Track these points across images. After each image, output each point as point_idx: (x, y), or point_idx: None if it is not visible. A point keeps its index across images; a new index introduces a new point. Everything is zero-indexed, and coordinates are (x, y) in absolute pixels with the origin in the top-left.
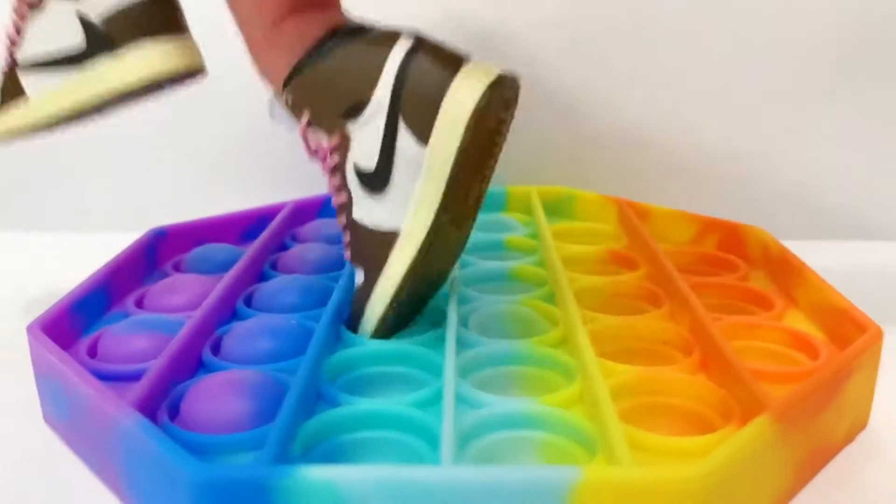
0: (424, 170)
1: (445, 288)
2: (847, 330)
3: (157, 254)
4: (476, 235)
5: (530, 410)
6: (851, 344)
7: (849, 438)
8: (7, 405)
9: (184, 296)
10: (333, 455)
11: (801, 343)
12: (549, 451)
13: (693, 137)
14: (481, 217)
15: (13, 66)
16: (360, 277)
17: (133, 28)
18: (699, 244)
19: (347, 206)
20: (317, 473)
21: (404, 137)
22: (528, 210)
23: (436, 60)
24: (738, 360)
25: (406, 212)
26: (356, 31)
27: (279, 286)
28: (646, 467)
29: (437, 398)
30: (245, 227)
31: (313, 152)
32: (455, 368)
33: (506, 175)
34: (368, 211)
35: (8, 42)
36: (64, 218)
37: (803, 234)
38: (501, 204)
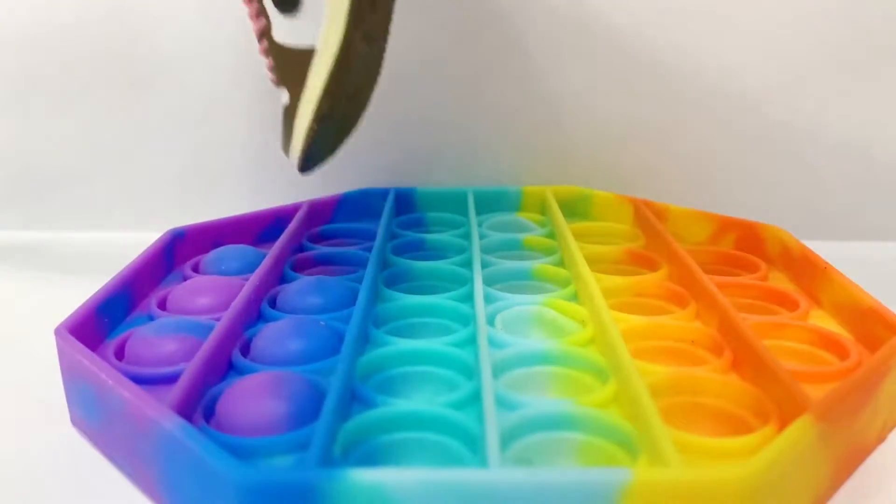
0: None
1: (469, 288)
2: (876, 329)
3: (174, 254)
4: (493, 235)
5: (568, 411)
6: (881, 343)
7: (881, 438)
8: (33, 408)
9: (208, 297)
10: (373, 457)
11: (830, 343)
12: (588, 453)
13: (702, 137)
14: (497, 217)
15: None
16: (285, 98)
17: None
18: (717, 243)
19: (267, 30)
20: (366, 476)
21: None
22: (542, 210)
23: None
24: (774, 361)
25: (319, 29)
26: None
27: (303, 287)
28: (696, 468)
29: (472, 399)
30: (262, 227)
31: None
32: (491, 369)
33: (520, 175)
34: (286, 32)
35: None
36: (76, 218)
37: (811, 235)
38: (517, 204)
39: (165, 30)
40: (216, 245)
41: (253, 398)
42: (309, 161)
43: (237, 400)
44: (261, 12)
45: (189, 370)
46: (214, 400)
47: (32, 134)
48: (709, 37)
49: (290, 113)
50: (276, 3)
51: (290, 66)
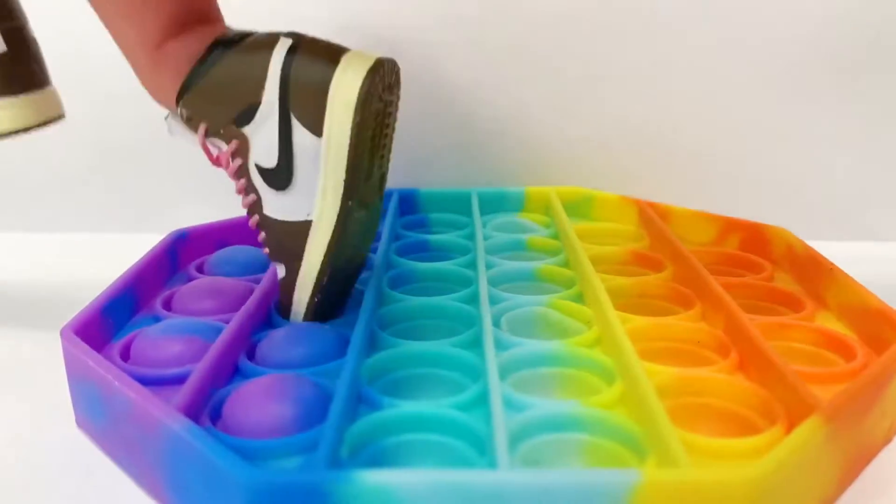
0: (323, 159)
1: (473, 290)
2: (882, 330)
3: (178, 256)
4: (497, 236)
5: (575, 413)
6: (887, 344)
7: (888, 438)
8: (38, 409)
9: (213, 299)
10: (379, 458)
11: (836, 344)
12: (595, 454)
13: (706, 138)
14: (500, 218)
15: None
16: (281, 271)
17: None
18: (721, 244)
19: (257, 205)
20: (374, 478)
21: (299, 132)
22: (546, 211)
23: (316, 55)
24: (781, 362)
25: (314, 201)
26: (235, 40)
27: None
28: (705, 469)
29: (479, 400)
30: None
31: (216, 160)
32: (497, 371)
33: (523, 176)
34: (278, 206)
35: None
36: (79, 219)
37: (816, 235)
38: (520, 204)
39: None
40: (220, 246)
41: (259, 401)
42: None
43: (244, 402)
44: (249, 188)
45: (196, 372)
46: (221, 402)
47: (34, 134)
48: (711, 38)
49: (287, 287)
50: (266, 179)
51: (284, 240)
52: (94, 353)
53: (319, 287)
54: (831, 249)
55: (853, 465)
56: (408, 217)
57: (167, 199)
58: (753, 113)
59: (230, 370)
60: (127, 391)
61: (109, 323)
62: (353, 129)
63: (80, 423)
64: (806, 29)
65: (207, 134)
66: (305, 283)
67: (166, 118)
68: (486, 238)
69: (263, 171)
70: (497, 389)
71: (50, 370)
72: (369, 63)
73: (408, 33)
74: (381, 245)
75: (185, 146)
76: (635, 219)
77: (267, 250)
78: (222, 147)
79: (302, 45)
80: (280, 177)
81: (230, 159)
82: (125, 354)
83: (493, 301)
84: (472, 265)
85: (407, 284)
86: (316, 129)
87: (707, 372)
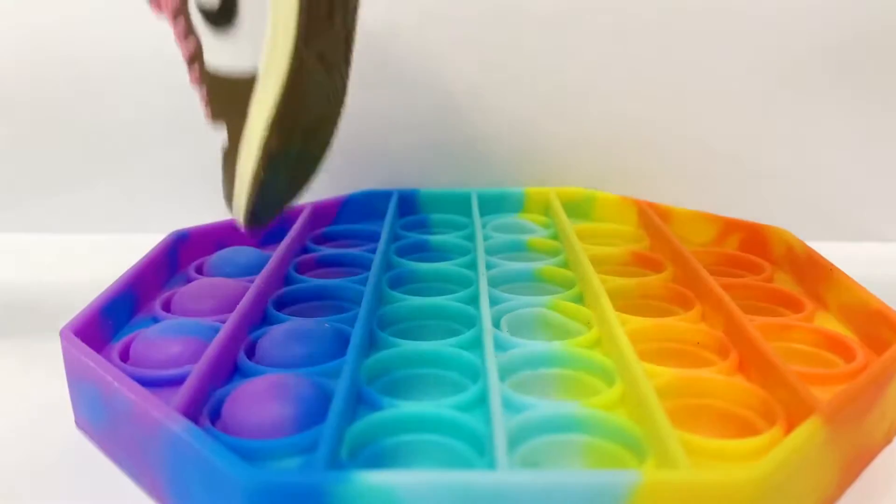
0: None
1: (473, 290)
2: (882, 331)
3: (178, 256)
4: (497, 236)
5: (574, 413)
6: (887, 345)
7: (888, 439)
8: (37, 410)
9: (213, 299)
10: (379, 459)
11: (836, 345)
12: (595, 455)
13: (706, 138)
14: (499, 219)
15: None
16: (224, 138)
17: None
18: (721, 245)
19: (198, 55)
20: (374, 478)
21: None
22: (545, 211)
23: None
24: (782, 363)
25: (261, 49)
26: None
27: (307, 290)
28: (705, 470)
29: (478, 401)
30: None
31: (156, 3)
32: (497, 371)
33: (523, 176)
34: (220, 53)
35: None
36: (79, 220)
37: (816, 236)
38: (520, 205)
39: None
40: (220, 247)
41: (259, 401)
42: (257, 215)
43: (243, 402)
44: (189, 31)
45: (195, 373)
46: (220, 402)
47: (36, 134)
48: (713, 37)
49: (230, 155)
50: (206, 16)
51: (227, 96)
52: (94, 353)
53: (267, 155)
54: (831, 250)
55: (853, 466)
56: (407, 217)
57: (167, 199)
58: (754, 113)
59: (229, 369)
60: (126, 392)
61: (109, 324)
62: None
63: (80, 424)
64: (806, 29)
65: None
66: (250, 149)
67: None
68: (485, 239)
69: (205, 10)
70: (497, 390)
71: (49, 370)
72: None
73: (407, 33)
74: (381, 245)
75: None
76: (635, 219)
77: (208, 111)
78: None
79: None
80: (223, 17)
81: None
82: (125, 355)
83: (493, 302)
84: (472, 266)
85: (406, 285)
86: None
87: (707, 373)
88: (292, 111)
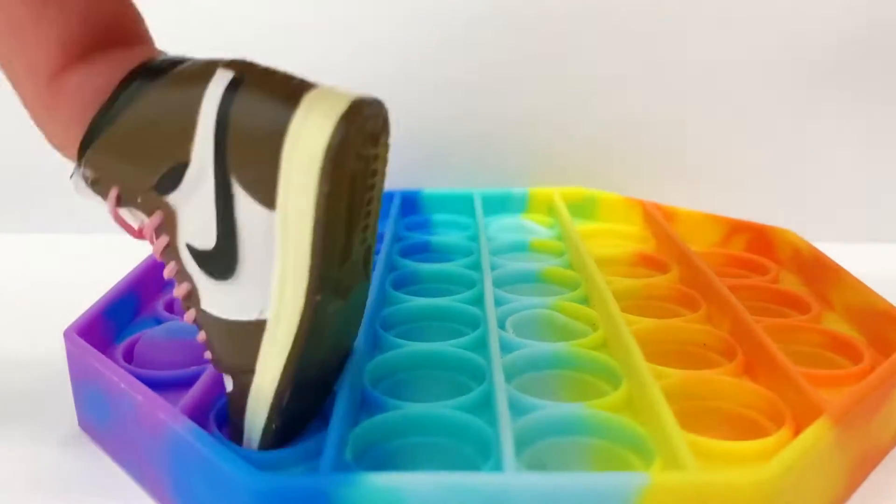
0: (279, 240)
1: (477, 291)
2: (888, 332)
3: None
4: (500, 237)
5: (581, 415)
6: (894, 346)
7: (895, 441)
8: (41, 410)
9: None
10: (384, 461)
11: (843, 346)
12: (601, 457)
13: (711, 140)
14: (503, 219)
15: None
16: (229, 384)
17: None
18: (727, 246)
19: (194, 297)
20: (380, 480)
21: (244, 203)
22: (548, 212)
23: (266, 94)
24: (789, 364)
25: (269, 295)
26: (160, 70)
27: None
28: (713, 471)
29: (483, 402)
30: None
31: (138, 233)
32: (503, 373)
33: (526, 177)
34: (220, 301)
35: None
36: (81, 220)
37: (822, 237)
38: (523, 206)
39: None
40: None
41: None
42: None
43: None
44: (182, 275)
45: (203, 376)
46: (224, 405)
47: (37, 134)
48: (718, 39)
49: (236, 405)
50: (202, 265)
51: (230, 344)
52: (99, 353)
53: (278, 409)
54: (837, 251)
55: (860, 468)
56: (410, 218)
57: None
58: (759, 114)
59: None
60: (132, 393)
61: (112, 325)
62: (318, 199)
63: (83, 425)
64: (809, 30)
65: (120, 203)
66: (261, 404)
67: (71, 176)
68: (489, 239)
69: (198, 254)
70: (502, 391)
71: (53, 371)
72: (342, 105)
73: (409, 34)
74: (384, 246)
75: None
76: (640, 220)
77: (209, 355)
78: (144, 219)
79: (248, 79)
80: (221, 262)
81: (155, 236)
82: (128, 356)
83: (498, 303)
84: (476, 267)
85: (410, 286)
86: (267, 198)
87: (713, 374)
88: (306, 359)
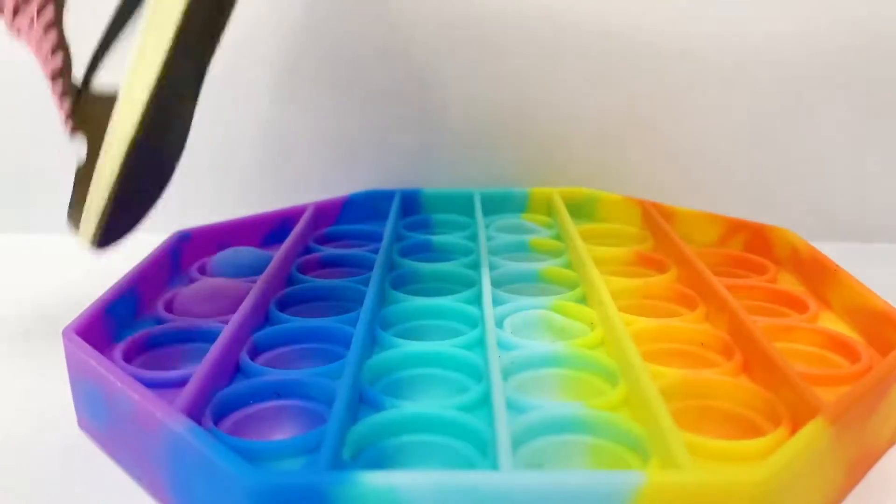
0: (145, 22)
1: (477, 290)
2: (887, 332)
3: (181, 257)
4: (500, 237)
5: (578, 414)
6: (892, 346)
7: (892, 441)
8: (39, 409)
9: (215, 300)
10: (381, 460)
11: (840, 345)
12: (599, 456)
13: (710, 138)
14: (503, 219)
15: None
16: (82, 153)
17: None
18: (725, 245)
19: (65, 69)
20: (377, 479)
21: None
22: (548, 212)
23: None
24: (786, 364)
25: (126, 69)
26: None
27: (310, 290)
28: (710, 471)
29: (481, 401)
30: (268, 229)
31: (14, 26)
32: (500, 372)
33: (526, 176)
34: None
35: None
36: None
37: (820, 236)
38: (523, 205)
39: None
40: (222, 247)
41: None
42: (107, 235)
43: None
44: (59, 46)
45: (197, 373)
46: (222, 403)
47: (37, 134)
48: (716, 38)
49: (85, 173)
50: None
51: (92, 112)
52: (97, 353)
53: (119, 184)
54: (836, 250)
55: (858, 467)
56: (410, 217)
57: (169, 199)
58: (758, 113)
59: (231, 370)
60: (129, 392)
61: (112, 324)
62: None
63: (82, 424)
64: (808, 30)
65: None
66: (108, 167)
67: None
68: (488, 239)
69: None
70: (500, 391)
71: (51, 370)
72: None
73: (409, 32)
74: (383, 245)
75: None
76: (639, 220)
77: (70, 123)
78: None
79: None
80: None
81: (40, 10)
82: (128, 357)
83: (496, 302)
84: (475, 266)
85: (409, 285)
86: None
87: (711, 374)
88: (147, 143)
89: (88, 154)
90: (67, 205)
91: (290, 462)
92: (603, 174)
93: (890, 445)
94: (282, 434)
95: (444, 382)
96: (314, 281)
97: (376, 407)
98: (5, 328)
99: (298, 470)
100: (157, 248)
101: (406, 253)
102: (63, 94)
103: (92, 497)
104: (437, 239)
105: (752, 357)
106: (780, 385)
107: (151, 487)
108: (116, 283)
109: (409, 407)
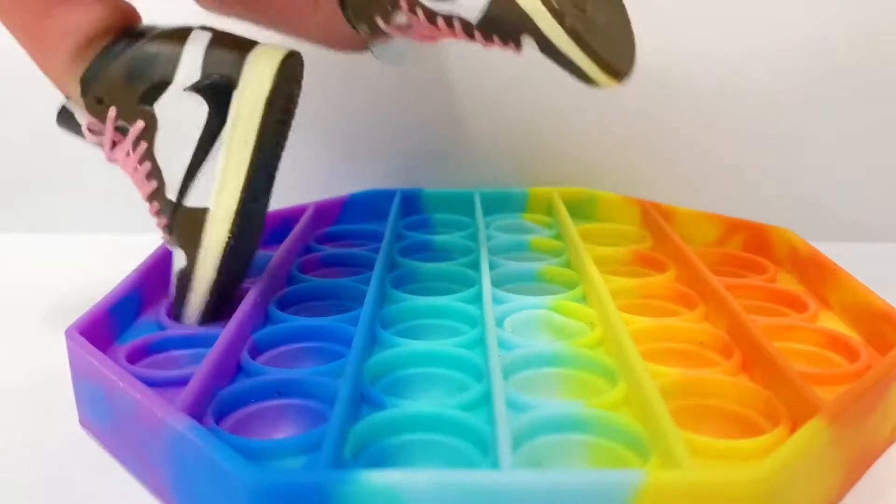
0: (225, 148)
1: (476, 290)
2: (885, 331)
3: None
4: (500, 237)
5: (578, 413)
6: (891, 345)
7: (891, 440)
8: (42, 408)
9: None
10: (382, 459)
11: (839, 345)
12: (599, 455)
13: (709, 139)
14: (502, 219)
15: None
16: (180, 259)
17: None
18: (725, 245)
19: (160, 191)
20: (378, 477)
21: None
22: (548, 211)
23: (228, 45)
24: (785, 363)
25: (212, 190)
26: (142, 32)
27: (310, 289)
28: (709, 469)
29: (482, 401)
30: (268, 228)
31: (111, 151)
32: (500, 371)
33: (526, 176)
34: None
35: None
36: (83, 220)
37: (819, 236)
38: (523, 205)
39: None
40: None
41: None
42: (202, 322)
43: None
44: (152, 174)
45: (198, 372)
46: (223, 402)
47: (37, 134)
48: (715, 39)
49: (186, 276)
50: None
51: (185, 224)
52: (99, 353)
53: (217, 280)
54: (834, 250)
55: (857, 466)
56: (410, 217)
57: None
58: (757, 113)
59: (232, 369)
60: (131, 391)
61: (114, 324)
62: (262, 121)
63: (84, 423)
64: (808, 30)
65: (118, 117)
66: (205, 274)
67: (60, 106)
68: (488, 239)
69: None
70: (500, 390)
71: (54, 370)
72: (279, 56)
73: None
74: (384, 245)
75: (74, 141)
76: (638, 219)
77: (167, 236)
78: (128, 127)
79: (216, 34)
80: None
81: (135, 143)
82: (131, 357)
83: (497, 301)
84: (475, 266)
85: (409, 284)
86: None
87: (710, 373)
88: (237, 242)
89: (187, 261)
90: (173, 302)
91: (292, 461)
92: (603, 174)
93: (889, 444)
94: (283, 433)
95: (445, 381)
96: (315, 280)
97: (377, 406)
98: (8, 328)
99: (300, 468)
100: (159, 248)
101: (406, 252)
102: (159, 212)
103: (94, 495)
104: (437, 238)
105: (752, 356)
106: (780, 384)
107: (153, 485)
108: (119, 284)
109: (410, 406)
